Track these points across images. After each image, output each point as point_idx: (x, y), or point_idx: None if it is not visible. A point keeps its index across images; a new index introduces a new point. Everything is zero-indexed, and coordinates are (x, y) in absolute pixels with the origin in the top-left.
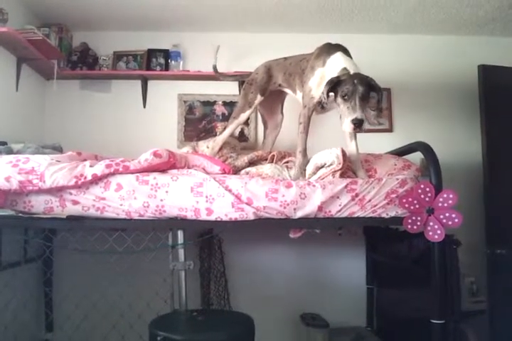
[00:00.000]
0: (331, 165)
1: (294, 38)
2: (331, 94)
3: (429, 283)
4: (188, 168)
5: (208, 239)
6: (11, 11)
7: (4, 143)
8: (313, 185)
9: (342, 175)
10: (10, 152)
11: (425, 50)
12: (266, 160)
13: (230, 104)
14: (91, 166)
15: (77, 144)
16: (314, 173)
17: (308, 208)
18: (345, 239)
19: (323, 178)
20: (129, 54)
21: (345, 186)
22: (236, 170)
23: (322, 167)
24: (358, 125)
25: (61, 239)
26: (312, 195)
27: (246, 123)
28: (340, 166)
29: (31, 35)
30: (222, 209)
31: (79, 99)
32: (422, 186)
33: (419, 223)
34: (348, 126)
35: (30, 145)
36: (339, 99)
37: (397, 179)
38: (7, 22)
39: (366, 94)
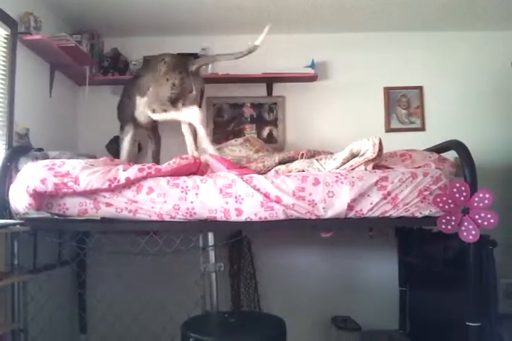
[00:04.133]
0: (364, 153)
1: (324, 38)
2: None
3: (465, 285)
4: None
5: (238, 240)
6: (44, 18)
7: (41, 150)
8: (341, 182)
9: (374, 168)
10: (46, 158)
11: (457, 46)
12: (297, 160)
13: (258, 106)
14: (124, 170)
15: None
16: (348, 160)
17: (338, 206)
18: (377, 240)
19: (353, 168)
20: None
21: (376, 183)
22: (266, 171)
23: (356, 156)
24: None
25: (95, 241)
26: (340, 193)
27: (275, 124)
28: (374, 155)
29: (64, 42)
30: (252, 208)
31: (110, 104)
32: (458, 185)
33: (453, 223)
34: None
35: (66, 152)
36: None
37: (432, 176)
38: (41, 30)
39: None
